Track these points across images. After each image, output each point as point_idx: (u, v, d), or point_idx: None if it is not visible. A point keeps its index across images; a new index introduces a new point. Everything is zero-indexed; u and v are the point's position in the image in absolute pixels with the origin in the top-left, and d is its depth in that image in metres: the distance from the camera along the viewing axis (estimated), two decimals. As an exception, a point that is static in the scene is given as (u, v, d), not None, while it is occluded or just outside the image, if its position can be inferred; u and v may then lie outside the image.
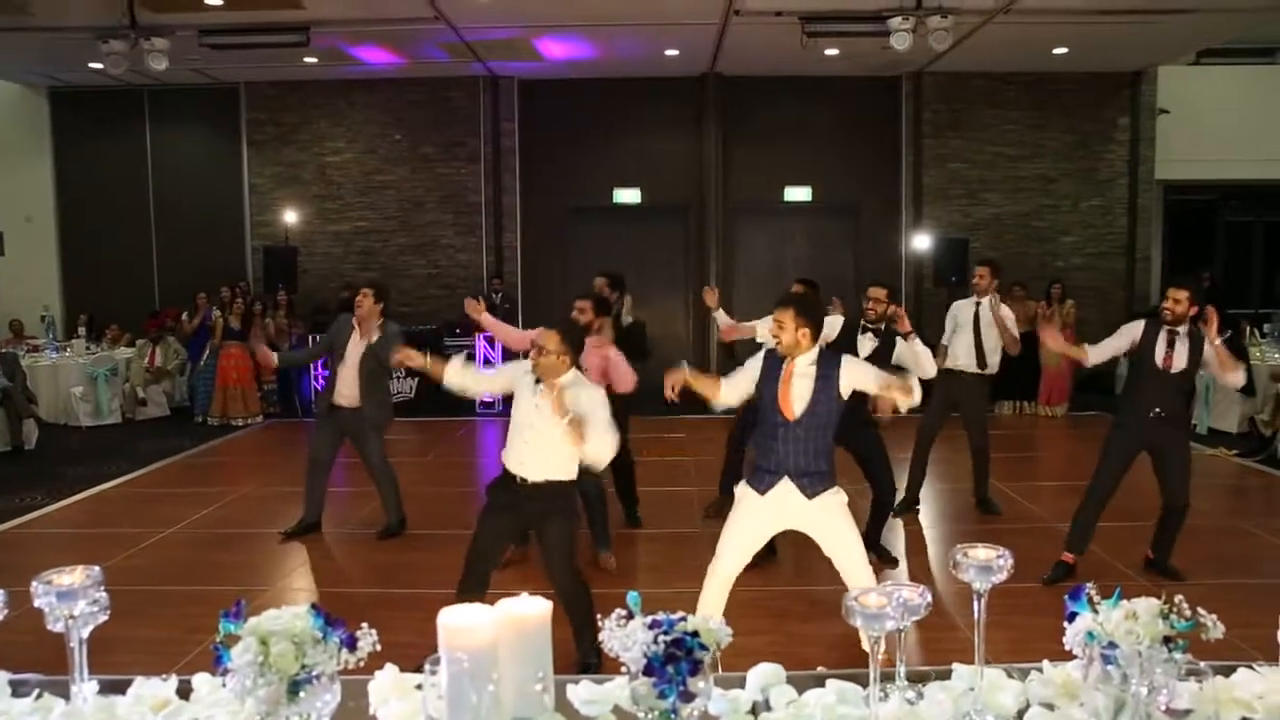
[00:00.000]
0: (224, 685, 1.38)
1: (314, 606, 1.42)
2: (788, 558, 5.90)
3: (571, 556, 4.24)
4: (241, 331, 11.07)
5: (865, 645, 1.50)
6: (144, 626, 4.79)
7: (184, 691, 1.65)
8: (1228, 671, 1.66)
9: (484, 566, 4.27)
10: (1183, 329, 5.28)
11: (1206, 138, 13.29)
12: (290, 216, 13.05)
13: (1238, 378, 5.24)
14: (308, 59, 11.77)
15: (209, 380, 11.11)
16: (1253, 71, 13.97)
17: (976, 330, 6.89)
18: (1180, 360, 5.28)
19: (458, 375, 4.37)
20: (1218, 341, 5.32)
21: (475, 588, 4.16)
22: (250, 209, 13.42)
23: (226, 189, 13.38)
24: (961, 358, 6.93)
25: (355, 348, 6.39)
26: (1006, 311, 6.94)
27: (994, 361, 6.93)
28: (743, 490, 4.09)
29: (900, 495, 6.74)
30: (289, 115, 13.32)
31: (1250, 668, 1.67)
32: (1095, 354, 5.63)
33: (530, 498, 4.11)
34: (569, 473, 4.16)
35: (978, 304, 6.96)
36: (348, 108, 13.31)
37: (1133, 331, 5.49)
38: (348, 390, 6.37)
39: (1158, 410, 5.28)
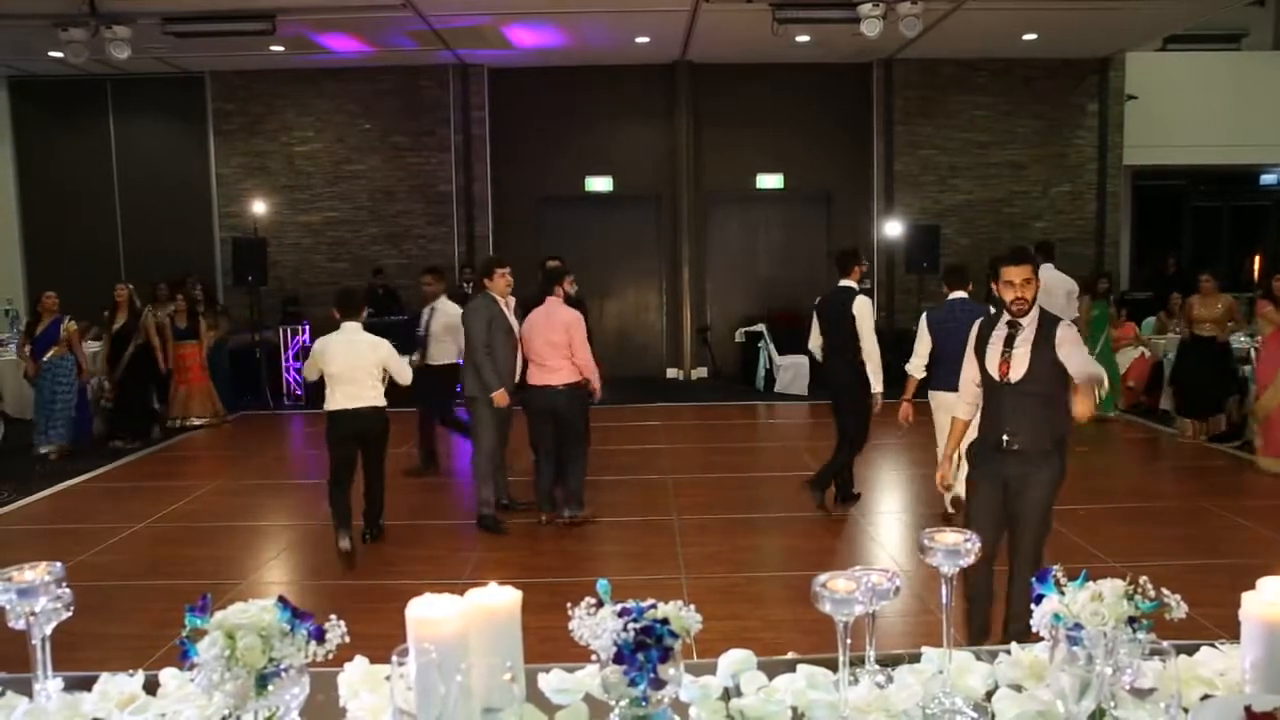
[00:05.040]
0: (191, 680, 1.37)
1: (281, 599, 1.41)
2: (769, 546, 5.93)
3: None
4: (189, 330, 10.36)
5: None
6: (113, 622, 4.74)
7: (151, 687, 1.63)
8: (1191, 650, 1.68)
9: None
10: (1026, 321, 3.78)
11: (1174, 124, 13.43)
12: (259, 207, 12.89)
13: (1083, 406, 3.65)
14: (274, 47, 11.62)
15: (53, 394, 9.12)
16: (1219, 58, 14.14)
17: None
18: (1020, 365, 3.76)
19: None
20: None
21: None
22: (218, 200, 13.26)
23: (193, 180, 13.20)
24: None
25: (513, 321, 6.47)
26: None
27: None
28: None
29: None
30: (256, 104, 13.16)
31: (1213, 646, 1.70)
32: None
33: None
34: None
35: None
36: (316, 97, 13.17)
37: (970, 341, 4.09)
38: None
39: (1006, 438, 3.81)
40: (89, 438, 9.53)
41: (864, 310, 6.21)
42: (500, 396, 6.24)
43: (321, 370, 5.80)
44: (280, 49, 11.76)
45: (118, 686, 1.62)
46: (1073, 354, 3.70)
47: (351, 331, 5.81)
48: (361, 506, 6.11)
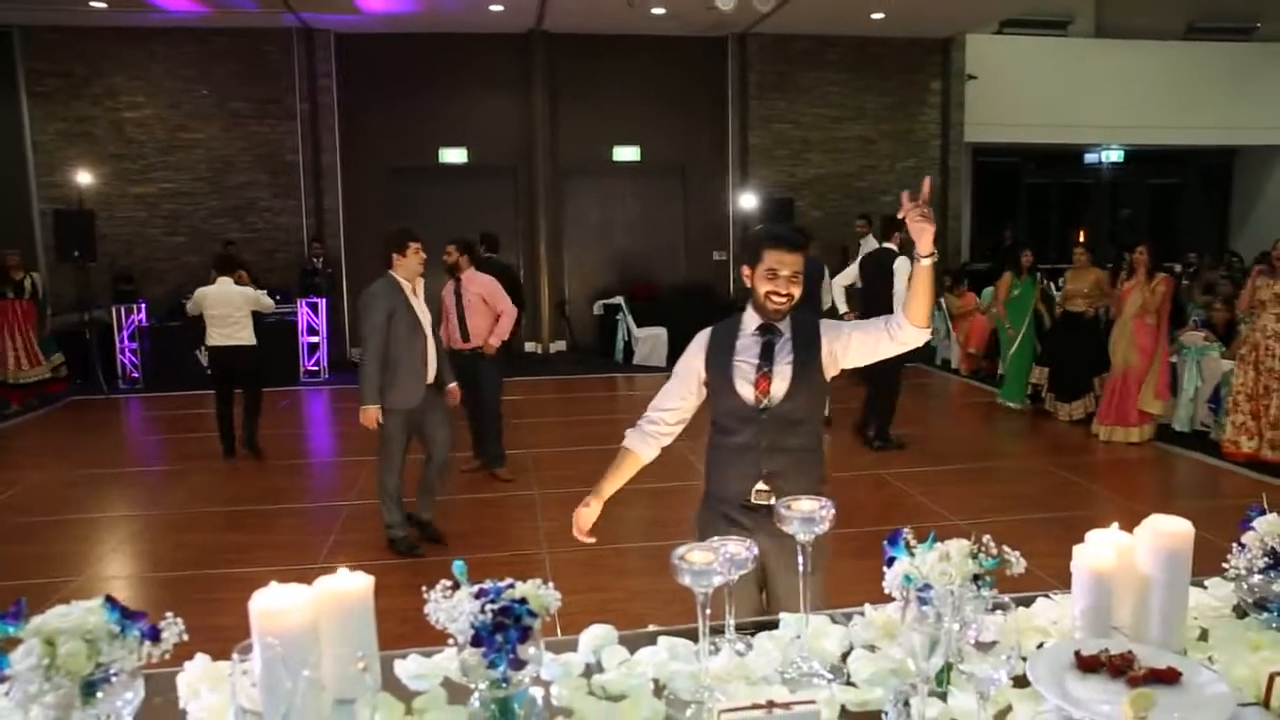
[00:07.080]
0: (4, 694, 1.25)
1: (109, 598, 1.31)
2: (632, 517, 5.96)
3: None
4: None
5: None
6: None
7: (-44, 705, 1.49)
8: (1028, 602, 1.79)
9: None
10: (784, 326, 2.68)
11: (1010, 104, 14.15)
12: (84, 177, 11.97)
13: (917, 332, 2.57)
14: (95, 3, 10.80)
15: None
16: (1050, 42, 14.97)
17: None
18: (782, 380, 2.63)
19: None
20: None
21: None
22: (35, 169, 12.25)
23: (3, 147, 12.14)
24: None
25: (421, 310, 5.21)
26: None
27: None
28: None
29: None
30: (78, 65, 12.19)
31: (1047, 597, 1.81)
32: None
33: None
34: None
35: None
36: (147, 59, 12.32)
37: (693, 356, 2.80)
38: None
39: (761, 487, 2.62)
40: None
41: (902, 268, 7.29)
42: (368, 416, 5.05)
43: (202, 311, 7.32)
44: (101, 5, 10.94)
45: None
46: (859, 322, 2.76)
47: (225, 284, 7.37)
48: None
